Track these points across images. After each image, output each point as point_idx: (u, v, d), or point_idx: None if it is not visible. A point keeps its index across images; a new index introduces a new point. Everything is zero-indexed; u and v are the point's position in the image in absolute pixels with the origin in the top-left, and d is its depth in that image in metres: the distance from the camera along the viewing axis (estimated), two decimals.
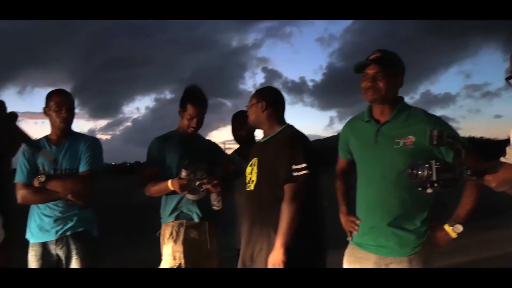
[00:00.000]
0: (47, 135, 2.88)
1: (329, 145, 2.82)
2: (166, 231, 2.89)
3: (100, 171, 2.89)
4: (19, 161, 2.78)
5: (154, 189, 2.90)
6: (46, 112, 2.83)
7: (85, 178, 2.76)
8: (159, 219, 3.01)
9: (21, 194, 2.72)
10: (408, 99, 2.27)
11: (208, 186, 2.79)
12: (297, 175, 2.39)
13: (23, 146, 2.76)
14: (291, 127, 2.62)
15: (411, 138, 2.11)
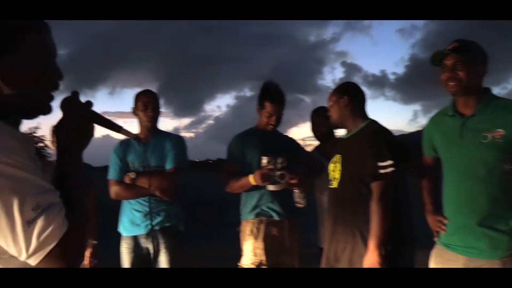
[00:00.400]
0: (136, 134, 3.02)
1: (413, 140, 2.70)
2: (247, 228, 2.94)
3: (186, 168, 2.99)
4: (112, 159, 2.97)
5: (236, 185, 2.95)
6: (134, 112, 2.98)
7: (171, 175, 2.87)
8: (239, 214, 3.07)
9: (114, 190, 2.91)
10: (499, 90, 2.09)
11: (293, 181, 2.79)
12: (383, 172, 2.33)
13: (115, 145, 2.96)
14: (374, 122, 2.56)
15: (501, 131, 1.97)
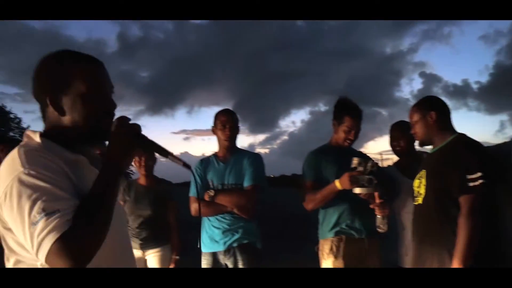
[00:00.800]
0: (215, 152, 3.12)
1: (500, 152, 2.52)
2: (325, 246, 2.89)
3: (263, 186, 3.00)
4: (192, 177, 3.03)
5: (318, 197, 2.86)
6: (213, 130, 3.06)
7: (249, 192, 2.90)
8: (317, 231, 3.02)
9: (194, 207, 2.99)
10: None
11: (379, 201, 2.71)
12: (472, 186, 2.20)
13: (195, 166, 3.05)
14: (463, 135, 2.44)
15: None
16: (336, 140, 3.01)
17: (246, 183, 2.93)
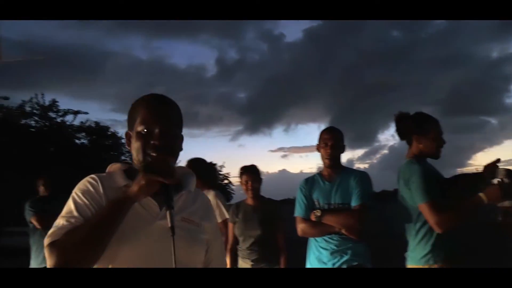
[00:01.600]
0: (320, 171, 3.07)
1: None
2: None
3: (372, 205, 2.87)
4: (298, 197, 3.03)
5: (460, 214, 2.51)
6: (318, 148, 3.03)
7: (357, 212, 2.80)
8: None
9: (300, 227, 2.94)
10: None
11: None
12: None
13: None
14: None
15: None
16: (428, 151, 2.72)
17: (354, 203, 2.84)
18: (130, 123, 1.43)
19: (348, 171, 3.00)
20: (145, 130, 1.37)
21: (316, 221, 2.86)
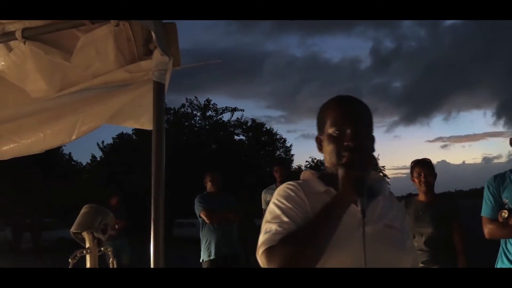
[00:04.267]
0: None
1: None
2: None
3: None
4: (485, 195, 2.81)
5: None
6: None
7: None
8: None
9: (487, 228, 2.74)
10: None
11: None
12: None
13: None
14: None
15: None
16: None
17: None
18: (320, 127, 1.44)
19: None
20: (337, 132, 1.36)
21: (503, 222, 2.64)
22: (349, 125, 1.33)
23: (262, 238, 1.27)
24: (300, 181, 1.44)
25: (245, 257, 8.03)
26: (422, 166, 3.50)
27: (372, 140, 1.42)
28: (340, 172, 1.26)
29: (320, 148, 1.43)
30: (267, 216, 1.34)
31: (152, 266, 1.63)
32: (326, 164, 1.40)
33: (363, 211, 1.20)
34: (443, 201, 3.54)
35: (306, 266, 1.20)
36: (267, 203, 5.42)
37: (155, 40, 1.68)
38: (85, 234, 1.90)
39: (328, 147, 1.37)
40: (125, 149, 27.65)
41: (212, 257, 4.91)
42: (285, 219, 1.28)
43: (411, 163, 3.64)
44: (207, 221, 5.02)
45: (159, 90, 1.77)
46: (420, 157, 3.63)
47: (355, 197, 1.23)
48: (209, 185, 5.32)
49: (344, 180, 1.24)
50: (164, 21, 1.72)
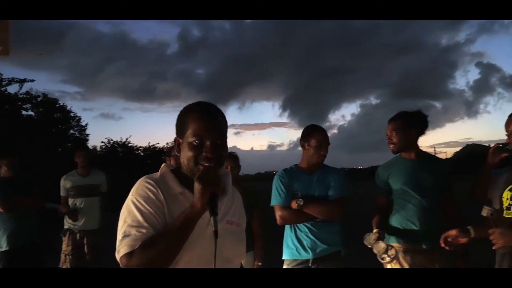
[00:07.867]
0: (297, 164, 3.19)
1: None
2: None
3: (349, 197, 3.07)
4: (275, 185, 3.11)
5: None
6: (303, 145, 3.12)
7: (338, 202, 2.98)
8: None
9: (280, 215, 3.02)
10: None
11: None
12: None
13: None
14: None
15: None
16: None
17: (335, 194, 3.01)
18: (181, 130, 1.49)
19: (325, 167, 3.16)
20: (197, 142, 1.43)
21: (296, 209, 2.95)
22: (210, 137, 1.42)
23: (121, 241, 1.35)
24: (158, 177, 1.48)
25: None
26: (228, 159, 3.65)
27: (227, 148, 1.50)
28: (197, 186, 1.34)
29: (178, 150, 1.50)
30: (125, 216, 1.40)
31: None
32: (183, 166, 1.49)
33: (215, 232, 1.31)
34: (245, 192, 3.74)
35: (162, 267, 1.32)
36: (67, 190, 5.18)
37: None
38: None
39: (188, 153, 1.44)
40: None
41: (5, 249, 4.38)
42: (145, 224, 1.36)
43: None
44: (1, 209, 4.45)
45: None
46: None
47: (205, 210, 1.35)
48: (3, 170, 4.67)
49: (200, 195, 1.33)
50: None
